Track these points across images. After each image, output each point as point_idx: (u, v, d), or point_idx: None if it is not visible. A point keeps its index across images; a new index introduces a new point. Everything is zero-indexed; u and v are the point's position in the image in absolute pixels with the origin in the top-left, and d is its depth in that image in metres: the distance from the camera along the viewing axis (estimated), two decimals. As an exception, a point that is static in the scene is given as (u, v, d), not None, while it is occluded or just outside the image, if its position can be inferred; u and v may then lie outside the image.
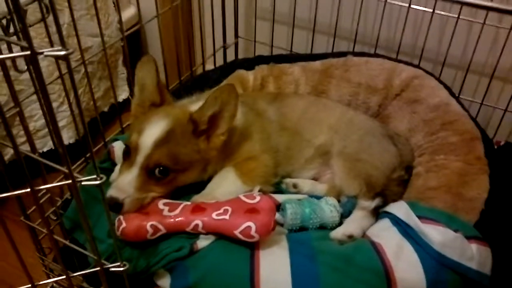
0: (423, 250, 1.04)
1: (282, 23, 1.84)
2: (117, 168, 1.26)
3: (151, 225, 1.06)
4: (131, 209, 1.09)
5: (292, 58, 1.65)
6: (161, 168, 1.11)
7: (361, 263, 1.04)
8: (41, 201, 1.23)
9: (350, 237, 1.15)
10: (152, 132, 1.11)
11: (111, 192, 1.08)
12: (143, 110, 1.22)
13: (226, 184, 1.21)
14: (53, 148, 1.67)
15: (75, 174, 0.84)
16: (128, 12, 2.04)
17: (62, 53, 0.68)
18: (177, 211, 1.09)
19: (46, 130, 1.69)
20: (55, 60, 1.08)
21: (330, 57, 1.61)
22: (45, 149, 1.72)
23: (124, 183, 1.10)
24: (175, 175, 1.14)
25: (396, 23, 1.69)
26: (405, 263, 1.03)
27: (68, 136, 1.74)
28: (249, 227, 1.01)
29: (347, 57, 1.58)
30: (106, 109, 1.95)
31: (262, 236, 1.02)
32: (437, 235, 1.04)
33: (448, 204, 1.17)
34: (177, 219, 1.08)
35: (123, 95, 2.01)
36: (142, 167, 1.10)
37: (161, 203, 1.12)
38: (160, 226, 1.07)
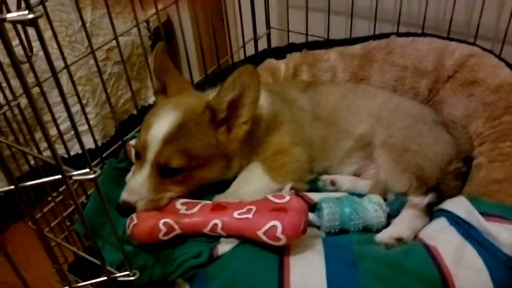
0: (490, 253, 0.89)
1: (317, 9, 1.70)
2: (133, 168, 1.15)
3: (164, 223, 0.94)
4: (145, 210, 0.99)
5: (327, 43, 1.50)
6: (173, 166, 1.00)
7: (412, 270, 0.88)
8: (49, 206, 1.14)
9: (399, 240, 0.99)
10: (160, 127, 1.00)
11: (123, 196, 0.99)
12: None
13: (252, 182, 1.07)
14: (79, 152, 1.59)
15: (66, 168, 0.73)
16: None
17: (29, 17, 0.57)
18: (195, 209, 0.97)
19: (70, 134, 1.61)
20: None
21: (370, 39, 1.44)
22: (72, 153, 1.65)
23: (136, 184, 1.00)
24: (190, 173, 1.02)
25: (445, -1, 1.51)
26: (467, 270, 0.88)
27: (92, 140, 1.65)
28: (274, 227, 0.87)
29: (390, 38, 1.41)
30: (135, 112, 1.86)
31: (290, 238, 0.88)
32: (506, 235, 0.89)
33: (518, 198, 0.99)
34: (193, 219, 0.96)
35: (153, 97, 1.92)
36: (153, 165, 0.99)
37: (178, 203, 1.01)
38: (175, 226, 0.95)
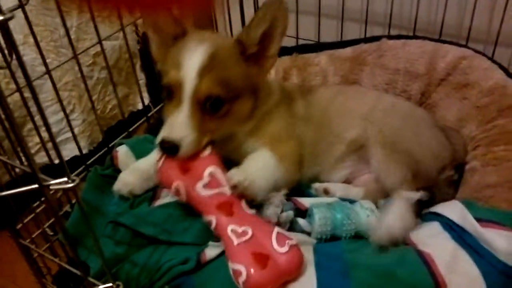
0: (485, 260, 0.86)
1: (308, 13, 1.67)
2: (122, 175, 1.12)
3: (176, 187, 0.96)
4: (189, 153, 0.97)
5: (318, 46, 1.47)
6: (214, 99, 0.98)
7: (406, 279, 0.85)
8: (30, 216, 1.11)
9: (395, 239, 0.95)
10: (193, 61, 0.97)
11: (165, 133, 0.97)
12: (166, 49, 1.07)
13: (267, 172, 1.03)
14: (67, 159, 1.55)
15: (43, 177, 0.70)
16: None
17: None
18: (211, 192, 0.95)
19: (58, 139, 1.57)
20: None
21: (361, 42, 1.42)
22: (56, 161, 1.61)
23: (178, 122, 0.97)
24: (228, 107, 1.01)
25: (437, 0, 1.49)
26: (462, 278, 0.85)
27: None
28: (239, 272, 0.84)
29: (381, 40, 1.39)
30: (122, 118, 1.81)
31: None
32: (502, 241, 0.86)
33: (513, 203, 0.96)
34: (200, 201, 0.95)
35: (140, 103, 1.87)
36: (192, 101, 0.97)
37: (209, 170, 0.97)
38: (183, 193, 0.95)
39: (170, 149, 0.96)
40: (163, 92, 1.03)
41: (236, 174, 0.96)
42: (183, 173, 0.97)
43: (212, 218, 0.93)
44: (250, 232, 0.90)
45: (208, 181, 0.96)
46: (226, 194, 0.96)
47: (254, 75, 1.05)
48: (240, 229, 0.90)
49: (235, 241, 0.88)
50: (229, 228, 0.90)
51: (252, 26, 1.01)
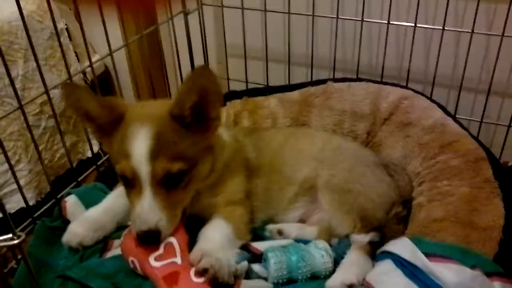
0: None
1: (256, 58, 1.72)
2: (71, 226, 1.08)
3: (131, 261, 0.97)
4: (170, 231, 0.96)
5: (267, 90, 1.51)
6: (174, 174, 0.96)
7: (362, 318, 0.85)
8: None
9: (351, 287, 0.96)
10: (140, 147, 0.94)
11: (137, 227, 0.94)
12: (106, 134, 1.02)
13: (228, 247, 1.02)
14: (12, 212, 1.48)
15: (-14, 234, 0.67)
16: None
17: None
18: (160, 263, 0.93)
19: (3, 192, 1.51)
20: None
21: (308, 86, 1.47)
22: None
23: (145, 211, 0.94)
24: (190, 175, 0.99)
25: (377, 44, 1.58)
26: None
27: (27, 198, 1.55)
28: None
29: (327, 83, 1.45)
30: (71, 166, 1.77)
31: None
32: (451, 275, 0.89)
33: (459, 236, 1.00)
34: (150, 273, 0.94)
35: (89, 151, 1.83)
36: (153, 184, 0.94)
37: (167, 241, 0.96)
38: (137, 266, 0.97)
39: (151, 239, 0.94)
40: (119, 180, 1.02)
41: (204, 258, 0.93)
42: (134, 252, 0.96)
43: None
44: None
45: (162, 252, 0.94)
46: (177, 263, 0.93)
47: (202, 139, 1.02)
48: None
49: None
50: None
51: (181, 98, 0.97)
